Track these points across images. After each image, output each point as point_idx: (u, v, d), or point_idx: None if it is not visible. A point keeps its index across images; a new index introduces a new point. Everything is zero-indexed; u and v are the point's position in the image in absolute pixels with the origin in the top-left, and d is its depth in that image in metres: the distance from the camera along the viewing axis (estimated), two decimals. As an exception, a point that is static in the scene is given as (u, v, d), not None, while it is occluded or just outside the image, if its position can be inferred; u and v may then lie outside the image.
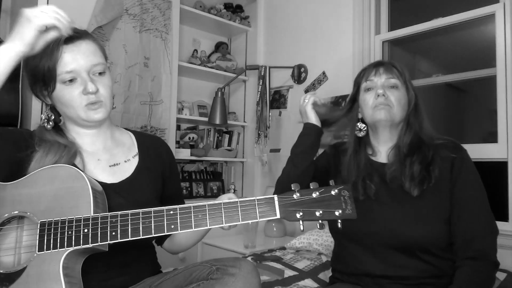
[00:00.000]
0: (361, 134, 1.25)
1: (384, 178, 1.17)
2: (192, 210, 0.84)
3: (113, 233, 0.82)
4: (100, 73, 0.98)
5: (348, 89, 2.41)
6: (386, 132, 1.21)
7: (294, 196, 0.84)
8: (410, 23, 2.24)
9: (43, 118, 1.00)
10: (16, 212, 0.85)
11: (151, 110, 2.41)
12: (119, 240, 0.82)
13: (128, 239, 0.82)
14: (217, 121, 2.43)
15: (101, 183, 0.95)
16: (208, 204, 0.84)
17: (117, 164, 1.04)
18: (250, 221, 0.84)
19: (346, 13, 2.43)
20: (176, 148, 2.65)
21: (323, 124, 1.29)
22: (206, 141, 3.01)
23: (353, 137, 1.25)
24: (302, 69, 2.67)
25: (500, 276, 1.40)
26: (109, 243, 0.84)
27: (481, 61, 2.05)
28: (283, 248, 2.00)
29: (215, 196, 2.93)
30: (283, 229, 2.56)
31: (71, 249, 0.81)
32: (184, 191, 2.81)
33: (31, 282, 0.80)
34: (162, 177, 1.11)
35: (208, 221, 0.83)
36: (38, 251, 0.82)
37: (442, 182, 1.12)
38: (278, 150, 2.77)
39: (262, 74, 2.70)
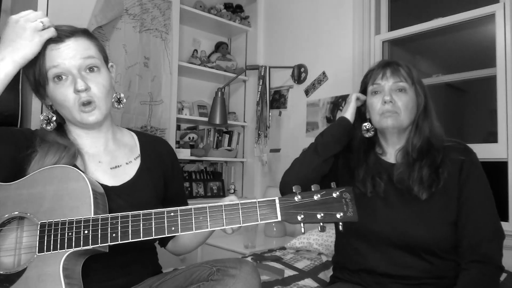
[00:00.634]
0: (368, 134, 1.24)
1: (392, 178, 1.16)
2: (193, 212, 0.83)
3: (114, 235, 0.82)
4: (91, 70, 0.94)
5: (348, 89, 2.43)
6: (394, 137, 1.20)
7: (296, 198, 0.83)
8: (410, 23, 2.24)
9: (42, 119, 0.98)
10: (16, 212, 0.85)
11: (151, 110, 2.41)
12: (119, 242, 0.82)
13: (128, 241, 0.82)
14: (217, 121, 2.43)
15: (102, 185, 0.94)
16: (209, 206, 0.83)
17: (118, 166, 1.02)
18: (251, 224, 0.83)
19: (346, 13, 2.43)
20: (176, 148, 2.65)
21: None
22: (206, 141, 3.01)
23: (362, 136, 1.24)
24: (302, 69, 2.67)
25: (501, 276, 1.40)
26: (109, 245, 0.84)
27: (481, 61, 2.05)
28: (283, 248, 2.00)
29: (215, 196, 2.93)
30: (283, 229, 2.56)
31: (71, 250, 0.81)
32: (184, 191, 2.81)
33: (31, 284, 0.80)
34: (164, 178, 1.10)
35: (209, 223, 0.82)
36: (38, 252, 0.81)
37: (450, 184, 1.11)
38: (278, 150, 2.77)
39: (262, 74, 2.70)
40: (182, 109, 2.79)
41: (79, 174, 0.87)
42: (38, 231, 0.82)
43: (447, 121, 2.46)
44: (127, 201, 0.96)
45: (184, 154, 2.68)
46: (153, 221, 0.82)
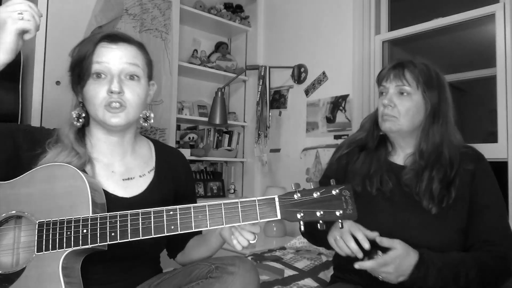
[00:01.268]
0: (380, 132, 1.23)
1: (400, 180, 1.14)
2: (192, 210, 0.82)
3: (113, 234, 0.81)
4: (131, 77, 0.94)
5: (348, 89, 2.43)
6: (400, 140, 1.19)
7: (295, 196, 0.83)
8: (410, 23, 2.24)
9: (74, 116, 0.96)
10: (14, 212, 0.84)
11: (151, 110, 2.41)
12: (118, 241, 0.81)
13: (128, 240, 0.81)
14: (217, 121, 2.43)
15: (111, 195, 0.93)
16: (208, 205, 0.83)
17: (131, 178, 1.01)
18: (250, 222, 0.82)
19: (346, 13, 2.43)
20: (176, 148, 2.64)
21: None
22: (206, 141, 3.00)
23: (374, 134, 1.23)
24: (302, 69, 2.67)
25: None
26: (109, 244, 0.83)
27: (481, 61, 2.05)
28: (283, 248, 2.00)
29: (215, 196, 2.93)
30: (283, 229, 2.55)
31: (70, 249, 0.81)
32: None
33: (31, 283, 0.80)
34: (175, 193, 1.08)
35: (208, 222, 0.82)
36: (37, 252, 0.81)
37: (461, 193, 1.09)
38: (278, 150, 2.77)
39: (262, 74, 2.70)
40: (182, 109, 2.79)
41: (77, 172, 0.86)
42: (37, 230, 0.82)
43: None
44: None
45: (184, 154, 2.67)
46: (152, 219, 0.82)
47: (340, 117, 2.43)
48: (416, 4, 2.51)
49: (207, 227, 0.82)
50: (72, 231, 0.81)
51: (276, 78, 2.82)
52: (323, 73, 2.55)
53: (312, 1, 2.65)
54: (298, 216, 0.82)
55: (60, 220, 0.82)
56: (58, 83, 2.01)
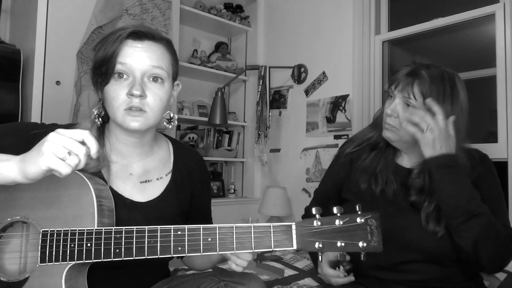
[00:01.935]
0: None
1: (404, 182, 1.12)
2: (201, 232, 0.77)
3: (117, 250, 0.77)
4: (155, 80, 0.89)
5: (348, 89, 2.43)
6: (403, 147, 1.17)
7: (315, 223, 0.74)
8: (410, 23, 2.24)
9: (95, 113, 0.93)
10: (18, 217, 0.82)
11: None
12: (123, 258, 0.77)
13: (132, 258, 0.77)
14: (217, 121, 2.43)
15: (127, 200, 0.90)
16: (219, 227, 0.77)
17: (149, 181, 0.97)
18: (263, 250, 0.76)
19: (346, 13, 2.43)
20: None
21: None
22: (206, 141, 3.01)
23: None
24: (302, 69, 2.67)
25: (500, 276, 1.40)
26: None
27: (481, 61, 2.05)
28: (283, 248, 1.99)
29: (215, 196, 2.93)
30: (283, 229, 2.55)
31: (73, 263, 0.78)
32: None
33: None
34: (190, 197, 1.05)
35: (218, 246, 0.76)
36: (40, 263, 0.79)
37: None
38: (278, 150, 2.77)
39: (262, 74, 2.70)
40: (182, 109, 2.79)
41: (83, 180, 0.82)
42: (40, 240, 0.80)
43: (447, 121, 2.46)
44: (147, 218, 0.93)
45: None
46: (158, 238, 0.77)
47: (340, 117, 2.43)
48: (416, 4, 2.51)
49: (216, 251, 0.76)
50: (76, 244, 0.78)
51: (276, 78, 2.82)
52: (323, 73, 2.55)
53: (312, 1, 2.65)
54: (316, 246, 0.74)
55: (64, 231, 0.79)
56: (58, 83, 2.01)
